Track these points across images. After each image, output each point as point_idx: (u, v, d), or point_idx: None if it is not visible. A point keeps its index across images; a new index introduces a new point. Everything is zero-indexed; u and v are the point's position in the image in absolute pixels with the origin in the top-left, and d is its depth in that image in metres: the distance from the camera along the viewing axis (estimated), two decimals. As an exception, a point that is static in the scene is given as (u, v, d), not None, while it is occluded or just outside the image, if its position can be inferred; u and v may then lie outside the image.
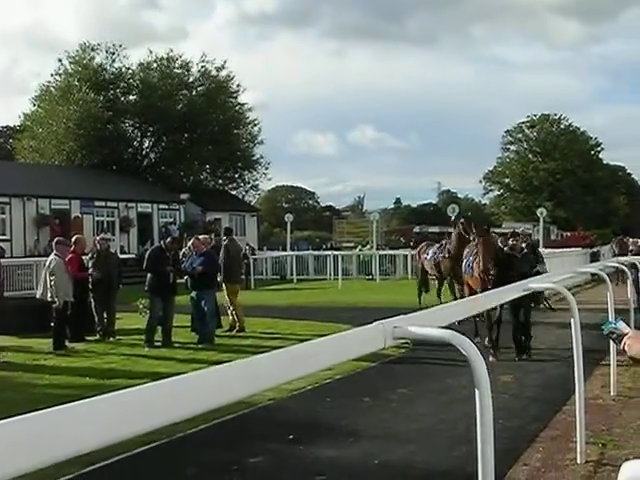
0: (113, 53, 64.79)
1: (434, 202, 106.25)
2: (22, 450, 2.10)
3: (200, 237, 19.99)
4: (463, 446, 8.75)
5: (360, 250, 49.08)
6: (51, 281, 18.32)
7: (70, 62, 64.19)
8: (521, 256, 16.69)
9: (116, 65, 65.11)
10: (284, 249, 52.50)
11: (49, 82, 65.32)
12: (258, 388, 3.44)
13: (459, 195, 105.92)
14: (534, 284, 8.98)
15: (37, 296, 19.23)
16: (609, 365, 11.71)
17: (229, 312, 20.15)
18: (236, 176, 69.92)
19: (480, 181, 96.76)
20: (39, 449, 2.16)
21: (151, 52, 66.33)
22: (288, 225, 52.15)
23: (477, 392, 3.84)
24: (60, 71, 64.56)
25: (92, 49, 64.24)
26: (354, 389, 12.34)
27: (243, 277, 29.06)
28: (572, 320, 8.23)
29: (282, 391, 11.48)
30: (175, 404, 2.71)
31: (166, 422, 2.67)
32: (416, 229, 65.64)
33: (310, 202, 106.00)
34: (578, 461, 8.28)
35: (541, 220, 49.79)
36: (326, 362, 3.94)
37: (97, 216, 49.39)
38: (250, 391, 3.33)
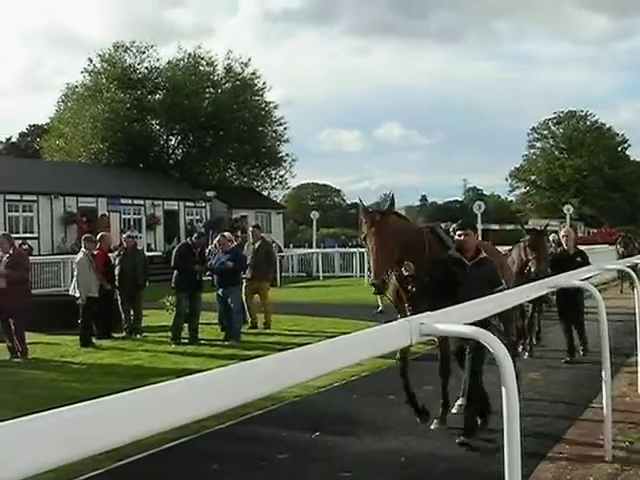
0: (143, 52, 65.06)
1: (460, 199, 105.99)
2: (52, 445, 2.12)
3: (225, 234, 20.02)
4: (489, 444, 8.76)
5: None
6: (75, 277, 18.47)
7: (101, 61, 64.38)
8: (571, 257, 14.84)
9: (145, 64, 65.36)
10: (310, 246, 52.47)
11: (76, 81, 65.63)
12: (286, 384, 3.45)
13: (485, 192, 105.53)
14: (560, 281, 9.26)
15: (70, 292, 19.39)
16: (636, 363, 11.65)
17: (249, 310, 20.16)
18: (262, 173, 69.88)
19: (506, 178, 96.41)
20: (68, 444, 2.19)
21: (180, 49, 66.51)
22: (314, 222, 52.07)
23: (504, 389, 3.84)
24: (89, 69, 64.79)
25: (125, 49, 64.46)
26: (380, 386, 12.33)
27: (274, 274, 28.62)
28: (599, 318, 8.21)
29: (308, 387, 11.51)
30: (204, 399, 2.73)
31: (196, 417, 2.70)
32: (442, 226, 65.43)
33: (336, 199, 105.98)
34: (605, 459, 8.25)
35: (568, 217, 49.58)
36: (353, 359, 3.95)
37: (124, 214, 49.51)
38: (278, 387, 3.35)
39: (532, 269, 14.27)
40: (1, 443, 2.01)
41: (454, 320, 4.57)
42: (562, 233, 16.56)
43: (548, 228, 17.30)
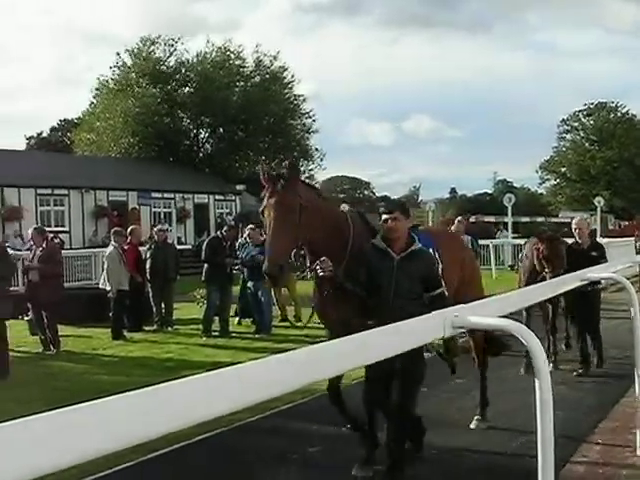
0: (171, 46, 65.22)
1: (490, 192, 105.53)
2: (84, 437, 2.13)
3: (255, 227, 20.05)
4: (521, 437, 8.73)
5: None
6: (106, 270, 18.60)
7: (130, 55, 64.63)
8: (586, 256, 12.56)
9: (174, 58, 65.51)
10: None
11: (107, 76, 65.84)
12: (317, 377, 3.45)
13: (515, 185, 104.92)
14: (593, 274, 8.82)
15: (100, 285, 19.53)
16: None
17: (278, 303, 20.20)
18: (291, 167, 69.83)
19: (536, 170, 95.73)
20: (101, 436, 2.20)
21: (208, 42, 66.55)
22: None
23: (537, 383, 3.82)
24: (119, 64, 65.02)
25: (152, 43, 64.66)
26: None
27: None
28: (632, 310, 8.14)
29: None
30: (236, 392, 2.74)
31: (227, 411, 2.70)
32: (472, 219, 65.29)
33: (365, 192, 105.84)
34: (638, 453, 8.22)
35: (599, 209, 49.32)
36: (386, 351, 3.94)
37: (154, 207, 49.69)
38: (309, 380, 3.35)
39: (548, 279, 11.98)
40: (35, 435, 2.02)
41: (487, 312, 4.54)
42: (574, 225, 14.14)
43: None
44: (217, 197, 53.79)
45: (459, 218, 23.33)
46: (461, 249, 10.70)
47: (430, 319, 4.22)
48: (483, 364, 10.48)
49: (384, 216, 7.93)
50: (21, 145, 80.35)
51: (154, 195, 49.73)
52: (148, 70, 62.85)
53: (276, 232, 7.76)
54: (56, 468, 2.08)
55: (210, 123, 66.34)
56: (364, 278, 7.91)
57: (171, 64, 65.45)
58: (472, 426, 9.81)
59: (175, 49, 65.46)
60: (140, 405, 2.34)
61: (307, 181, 9.29)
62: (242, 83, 66.37)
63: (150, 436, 2.37)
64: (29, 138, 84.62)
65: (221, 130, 66.62)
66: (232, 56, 66.21)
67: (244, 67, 66.83)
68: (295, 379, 3.14)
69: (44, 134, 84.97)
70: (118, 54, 64.90)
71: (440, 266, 8.81)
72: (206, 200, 52.92)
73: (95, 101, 66.86)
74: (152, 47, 64.71)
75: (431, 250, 8.77)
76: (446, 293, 8.11)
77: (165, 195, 50.44)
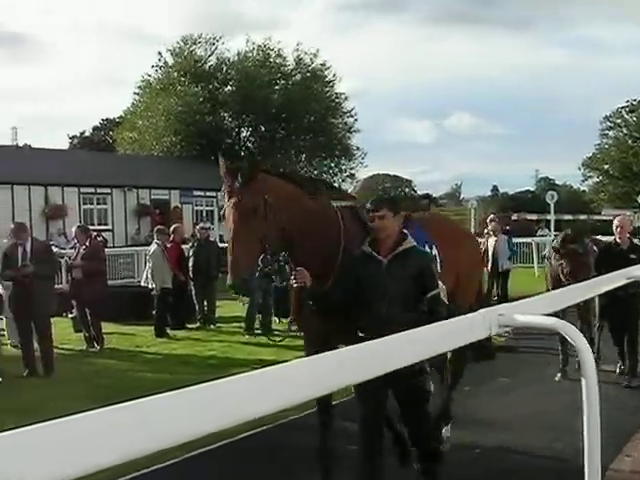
0: (212, 44, 65.47)
1: (532, 189, 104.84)
2: (130, 435, 2.15)
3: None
4: (564, 436, 8.69)
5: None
6: (149, 268, 18.72)
7: (171, 55, 64.96)
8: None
9: (215, 57, 65.72)
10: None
11: (149, 75, 66.22)
12: (362, 377, 3.45)
13: (557, 182, 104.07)
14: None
15: (141, 283, 19.68)
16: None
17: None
18: (332, 165, 69.93)
19: (579, 168, 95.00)
20: (147, 435, 2.21)
21: (248, 41, 66.68)
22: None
23: (583, 381, 3.80)
24: (161, 63, 65.39)
25: (194, 42, 64.93)
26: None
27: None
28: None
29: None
30: (280, 391, 2.75)
31: (272, 410, 2.71)
32: (514, 216, 64.91)
33: (407, 190, 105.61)
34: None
35: (642, 207, 48.92)
36: (429, 350, 3.93)
37: (196, 206, 49.91)
38: (354, 379, 3.36)
39: None
40: (82, 433, 2.04)
41: (532, 311, 4.52)
42: (615, 222, 12.96)
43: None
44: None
45: (491, 216, 23.11)
46: (459, 240, 9.45)
47: (475, 318, 4.20)
48: (457, 374, 9.50)
49: (370, 214, 7.17)
50: (64, 144, 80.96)
51: (196, 193, 49.92)
52: (189, 69, 63.16)
53: (237, 238, 6.71)
54: (100, 467, 2.10)
55: (251, 121, 66.53)
56: (352, 288, 7.05)
57: (212, 63, 65.71)
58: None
59: (216, 48, 65.84)
60: (187, 404, 2.35)
61: (282, 171, 8.17)
62: (283, 81, 66.46)
63: (196, 435, 2.38)
64: (72, 137, 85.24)
65: (262, 128, 66.77)
66: (273, 54, 66.28)
67: (285, 65, 66.87)
68: (341, 377, 3.14)
69: (87, 133, 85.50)
70: (160, 53, 65.37)
71: (439, 263, 8.13)
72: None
73: (137, 100, 67.30)
74: (193, 46, 65.02)
75: (426, 246, 8.05)
76: (442, 294, 7.25)
77: (207, 193, 50.54)
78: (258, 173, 6.97)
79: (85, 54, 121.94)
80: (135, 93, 67.79)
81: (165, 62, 65.21)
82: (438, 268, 7.93)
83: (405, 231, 7.30)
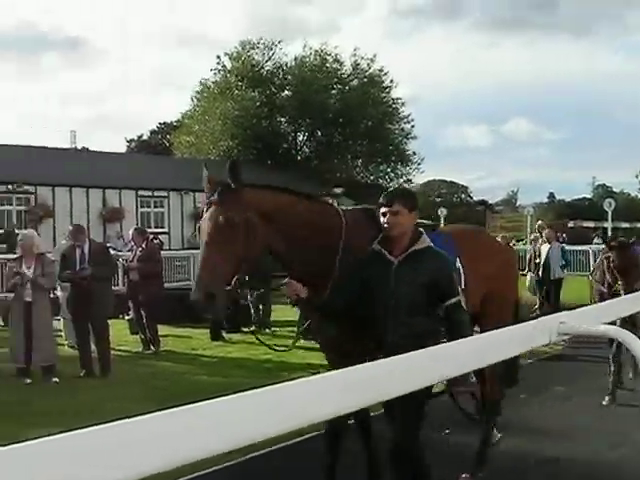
0: (270, 49, 65.71)
1: (589, 196, 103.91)
2: (191, 438, 2.14)
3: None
4: (621, 447, 8.59)
5: (514, 245, 48.27)
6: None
7: (229, 59, 65.30)
8: None
9: (272, 61, 65.94)
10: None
11: (208, 79, 66.62)
12: (420, 382, 3.43)
13: (615, 189, 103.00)
14: None
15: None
16: None
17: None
18: (389, 170, 69.82)
19: (636, 175, 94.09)
20: (207, 437, 2.21)
21: (305, 46, 66.84)
22: (441, 219, 51.84)
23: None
24: (219, 67, 65.76)
25: (252, 47, 65.20)
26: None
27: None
28: None
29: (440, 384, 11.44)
30: (339, 395, 2.73)
31: (337, 412, 2.70)
32: (570, 224, 64.38)
33: (463, 196, 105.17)
34: None
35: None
36: (488, 359, 3.89)
37: (252, 209, 50.05)
38: (412, 386, 3.33)
39: (622, 294, 10.04)
40: (143, 436, 2.04)
41: (592, 319, 4.46)
42: None
43: None
44: (315, 200, 53.83)
45: (539, 223, 22.83)
46: (490, 253, 8.57)
47: (535, 325, 4.15)
48: (494, 403, 8.66)
49: (382, 209, 6.50)
50: (122, 147, 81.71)
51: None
52: (247, 73, 63.39)
53: (207, 252, 6.22)
54: (160, 469, 2.09)
55: (308, 126, 66.61)
56: (357, 289, 6.49)
57: (269, 68, 65.92)
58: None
59: (274, 53, 66.00)
60: (247, 407, 2.34)
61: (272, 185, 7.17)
62: (340, 86, 66.40)
63: (256, 438, 2.37)
64: (130, 141, 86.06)
65: (319, 133, 66.84)
66: (330, 59, 66.30)
67: (342, 70, 66.88)
68: (399, 383, 3.12)
69: (144, 137, 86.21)
70: (218, 57, 65.74)
71: (462, 276, 7.45)
72: (303, 203, 53.01)
73: (195, 104, 67.70)
74: (251, 51, 65.26)
75: (450, 250, 7.29)
76: (463, 303, 6.54)
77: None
78: (240, 186, 6.33)
79: (143, 58, 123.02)
80: (193, 97, 68.33)
81: (223, 66, 65.62)
82: (461, 284, 7.27)
83: (421, 229, 6.71)
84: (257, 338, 7.68)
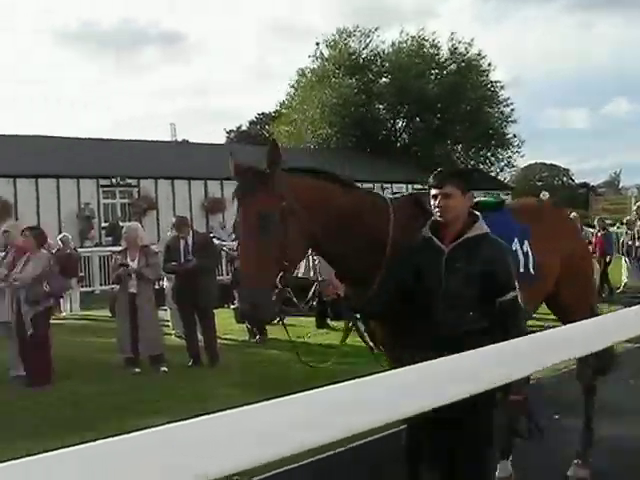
0: (367, 37, 65.68)
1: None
2: (295, 428, 2.13)
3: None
4: None
5: (618, 228, 47.32)
6: (310, 260, 18.87)
7: (327, 47, 65.46)
8: None
9: (369, 48, 65.88)
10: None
11: (304, 68, 66.97)
12: (535, 366, 3.38)
13: None
14: None
15: (299, 275, 19.84)
16: None
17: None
18: (489, 154, 69.26)
19: None
20: (320, 426, 2.19)
21: (402, 32, 66.66)
22: (543, 203, 51.22)
23: None
24: (317, 55, 65.94)
25: (348, 34, 65.22)
26: (619, 370, 11.99)
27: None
28: None
29: (549, 369, 11.29)
30: (446, 385, 2.70)
31: (437, 403, 2.67)
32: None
33: (564, 179, 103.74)
34: None
35: None
36: (590, 346, 3.81)
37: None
38: (528, 369, 3.28)
39: None
40: (252, 425, 2.04)
41: None
42: None
43: None
44: (415, 186, 53.63)
45: (638, 204, 22.25)
46: (563, 228, 7.90)
47: (638, 312, 4.05)
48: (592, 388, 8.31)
49: (432, 191, 5.86)
50: (221, 139, 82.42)
51: (353, 185, 50.06)
52: (344, 61, 63.44)
53: (247, 254, 5.59)
54: (267, 460, 2.09)
55: (406, 112, 66.41)
56: (409, 277, 5.83)
57: (367, 55, 65.86)
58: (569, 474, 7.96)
59: (371, 40, 65.96)
60: (344, 397, 2.32)
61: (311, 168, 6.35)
62: (437, 71, 66.08)
63: (352, 430, 2.36)
64: (229, 132, 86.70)
65: (417, 119, 66.58)
66: (427, 45, 66.02)
67: (439, 55, 66.52)
68: (509, 370, 3.08)
69: (243, 127, 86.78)
70: (317, 44, 65.99)
71: (530, 259, 6.86)
72: (404, 190, 52.88)
73: (293, 93, 68.00)
74: (348, 39, 65.27)
75: (516, 239, 6.77)
76: (520, 298, 5.76)
77: (364, 185, 50.55)
78: (275, 170, 5.64)
79: (240, 50, 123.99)
80: (291, 87, 68.65)
81: (321, 54, 65.86)
82: (530, 269, 6.83)
83: (477, 213, 6.00)
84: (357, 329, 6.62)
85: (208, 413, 2.01)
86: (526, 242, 6.84)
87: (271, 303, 5.43)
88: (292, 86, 68.37)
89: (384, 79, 65.85)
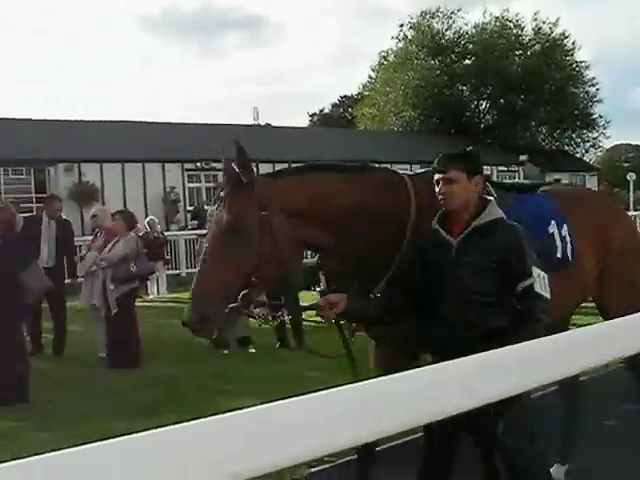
0: (450, 18, 65.26)
1: None
2: (380, 411, 2.14)
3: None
4: None
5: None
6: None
7: (409, 29, 65.18)
8: None
9: (452, 30, 65.51)
10: (627, 209, 50.96)
11: (387, 51, 66.80)
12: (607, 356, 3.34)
13: None
14: None
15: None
16: None
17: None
18: (574, 135, 68.36)
19: None
20: (396, 411, 2.21)
21: (485, 12, 66.18)
22: (631, 184, 50.44)
23: None
24: (400, 37, 65.72)
25: (432, 16, 64.93)
26: None
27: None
28: None
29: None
30: (528, 370, 2.69)
31: (516, 390, 2.66)
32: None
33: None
34: None
35: None
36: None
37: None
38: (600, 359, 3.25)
39: None
40: (340, 407, 2.06)
41: None
42: None
43: None
44: (500, 168, 53.23)
45: None
46: (609, 217, 7.07)
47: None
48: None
49: (435, 176, 5.27)
50: (304, 122, 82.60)
51: (437, 168, 49.88)
52: (427, 43, 63.11)
53: (203, 265, 5.21)
54: (352, 444, 2.11)
55: (490, 94, 65.84)
56: (418, 282, 5.29)
57: (450, 36, 65.45)
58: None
59: (453, 21, 65.51)
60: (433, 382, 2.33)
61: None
62: (521, 52, 65.35)
63: (438, 416, 2.37)
64: (312, 115, 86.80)
65: (501, 100, 65.95)
66: (511, 25, 65.33)
67: (523, 36, 65.78)
68: (585, 357, 3.06)
69: (326, 110, 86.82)
70: (401, 26, 65.72)
71: (568, 245, 6.29)
72: (488, 171, 52.47)
73: (375, 76, 67.88)
74: (431, 20, 64.93)
75: (553, 222, 6.22)
76: (536, 287, 5.01)
77: (446, 168, 50.46)
78: (251, 179, 5.19)
79: (321, 32, 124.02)
80: (373, 69, 68.52)
81: (404, 36, 65.52)
82: (568, 255, 6.27)
83: (490, 198, 5.40)
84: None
85: (297, 395, 2.04)
86: (565, 226, 6.30)
87: (219, 318, 5.10)
88: (373, 69, 68.37)
89: (467, 60, 65.32)
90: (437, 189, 5.19)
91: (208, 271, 5.04)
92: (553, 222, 6.21)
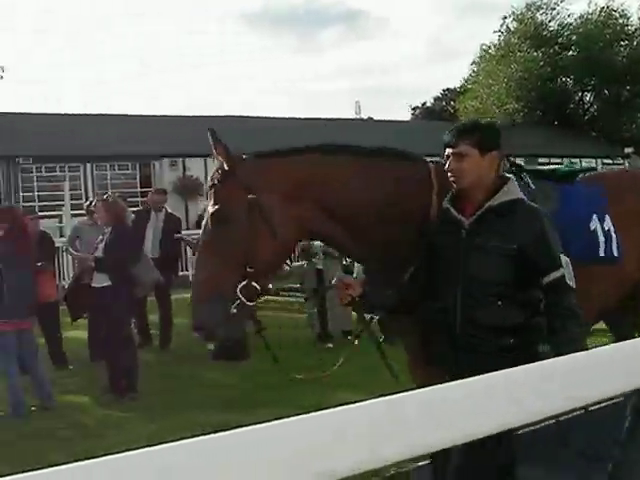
0: (553, 9, 64.43)
1: None
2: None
3: None
4: None
5: None
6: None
7: (512, 21, 64.58)
8: None
9: (556, 21, 64.69)
10: None
11: (489, 43, 66.29)
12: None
13: None
14: None
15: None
16: None
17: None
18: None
19: None
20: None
21: (590, 3, 65.13)
22: None
23: None
24: (502, 29, 65.15)
25: (537, 8, 64.17)
26: None
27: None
28: None
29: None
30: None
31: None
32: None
33: None
34: None
35: None
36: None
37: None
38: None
39: None
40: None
41: None
42: None
43: None
44: (605, 160, 52.40)
45: None
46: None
47: None
48: None
49: (445, 152, 4.75)
50: (406, 116, 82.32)
51: (540, 160, 49.32)
52: (530, 34, 62.42)
53: (197, 263, 4.90)
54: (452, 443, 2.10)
55: (594, 85, 64.85)
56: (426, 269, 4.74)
57: (553, 27, 64.66)
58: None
59: (557, 12, 64.66)
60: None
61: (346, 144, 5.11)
62: (626, 42, 64.17)
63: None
64: (414, 108, 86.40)
65: (606, 92, 64.88)
66: (616, 15, 64.21)
67: (629, 26, 64.61)
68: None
69: (428, 104, 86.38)
70: (505, 18, 65.18)
71: (613, 240, 5.45)
72: (593, 164, 51.67)
73: (477, 69, 67.40)
74: (535, 12, 64.18)
75: (594, 217, 5.41)
76: (567, 278, 4.39)
77: (552, 160, 49.81)
78: (233, 164, 4.73)
79: (422, 26, 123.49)
80: (474, 62, 68.02)
81: (507, 28, 64.90)
82: (614, 252, 5.44)
83: (509, 176, 4.84)
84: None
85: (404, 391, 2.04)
86: (607, 218, 5.46)
87: (224, 319, 4.56)
88: (474, 62, 67.90)
89: (570, 52, 64.43)
90: (446, 166, 4.70)
91: (201, 271, 4.68)
92: (595, 216, 5.42)
